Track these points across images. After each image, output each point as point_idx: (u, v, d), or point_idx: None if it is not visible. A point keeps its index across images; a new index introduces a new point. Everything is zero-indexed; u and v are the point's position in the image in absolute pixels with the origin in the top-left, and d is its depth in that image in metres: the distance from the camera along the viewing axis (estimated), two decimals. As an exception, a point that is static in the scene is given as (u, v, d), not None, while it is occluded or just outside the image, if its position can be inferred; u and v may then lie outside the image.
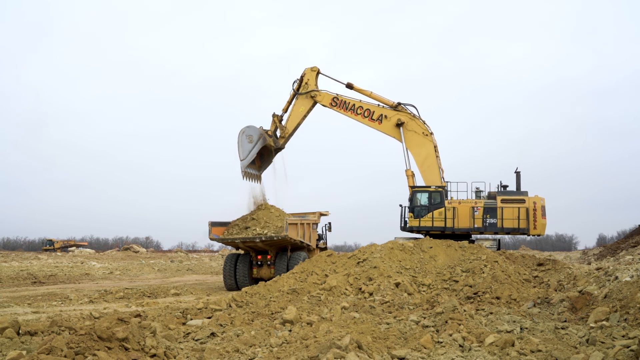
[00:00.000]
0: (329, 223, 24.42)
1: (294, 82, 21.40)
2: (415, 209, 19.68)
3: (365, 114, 21.02)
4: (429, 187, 19.98)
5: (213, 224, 19.80)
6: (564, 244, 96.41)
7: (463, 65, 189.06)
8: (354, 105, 21.12)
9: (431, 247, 16.42)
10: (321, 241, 23.54)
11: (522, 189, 20.06)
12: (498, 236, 20.75)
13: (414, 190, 20.10)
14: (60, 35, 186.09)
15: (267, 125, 21.40)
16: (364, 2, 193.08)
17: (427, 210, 19.57)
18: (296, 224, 19.80)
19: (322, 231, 23.95)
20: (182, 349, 7.14)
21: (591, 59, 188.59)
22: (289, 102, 21.42)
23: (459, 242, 17.22)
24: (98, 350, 5.51)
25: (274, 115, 21.20)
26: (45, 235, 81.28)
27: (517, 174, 20.24)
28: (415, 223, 19.64)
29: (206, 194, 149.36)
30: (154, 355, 6.06)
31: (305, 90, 21.17)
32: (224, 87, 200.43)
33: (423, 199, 19.79)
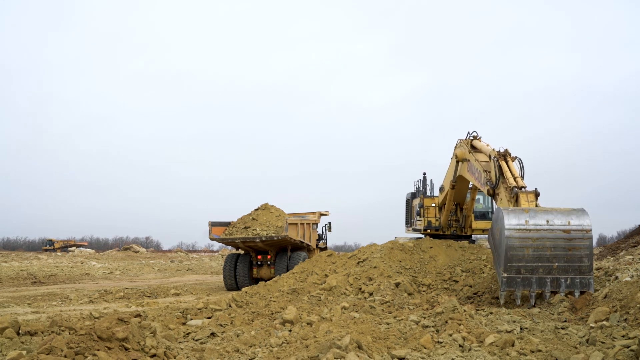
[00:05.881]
0: (329, 223, 24.45)
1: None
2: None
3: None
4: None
5: (213, 224, 19.82)
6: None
7: (472, 74, 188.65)
8: None
9: (431, 247, 16.41)
10: (321, 241, 23.56)
11: None
12: None
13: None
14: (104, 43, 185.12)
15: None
16: (412, 15, 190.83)
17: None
18: (296, 224, 19.83)
19: (322, 231, 23.98)
20: (182, 349, 7.14)
21: (592, 60, 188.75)
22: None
23: (459, 242, 17.22)
24: (98, 350, 5.51)
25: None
26: (45, 235, 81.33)
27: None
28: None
29: (206, 194, 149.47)
30: (154, 355, 6.06)
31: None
32: (254, 91, 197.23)
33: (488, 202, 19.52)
